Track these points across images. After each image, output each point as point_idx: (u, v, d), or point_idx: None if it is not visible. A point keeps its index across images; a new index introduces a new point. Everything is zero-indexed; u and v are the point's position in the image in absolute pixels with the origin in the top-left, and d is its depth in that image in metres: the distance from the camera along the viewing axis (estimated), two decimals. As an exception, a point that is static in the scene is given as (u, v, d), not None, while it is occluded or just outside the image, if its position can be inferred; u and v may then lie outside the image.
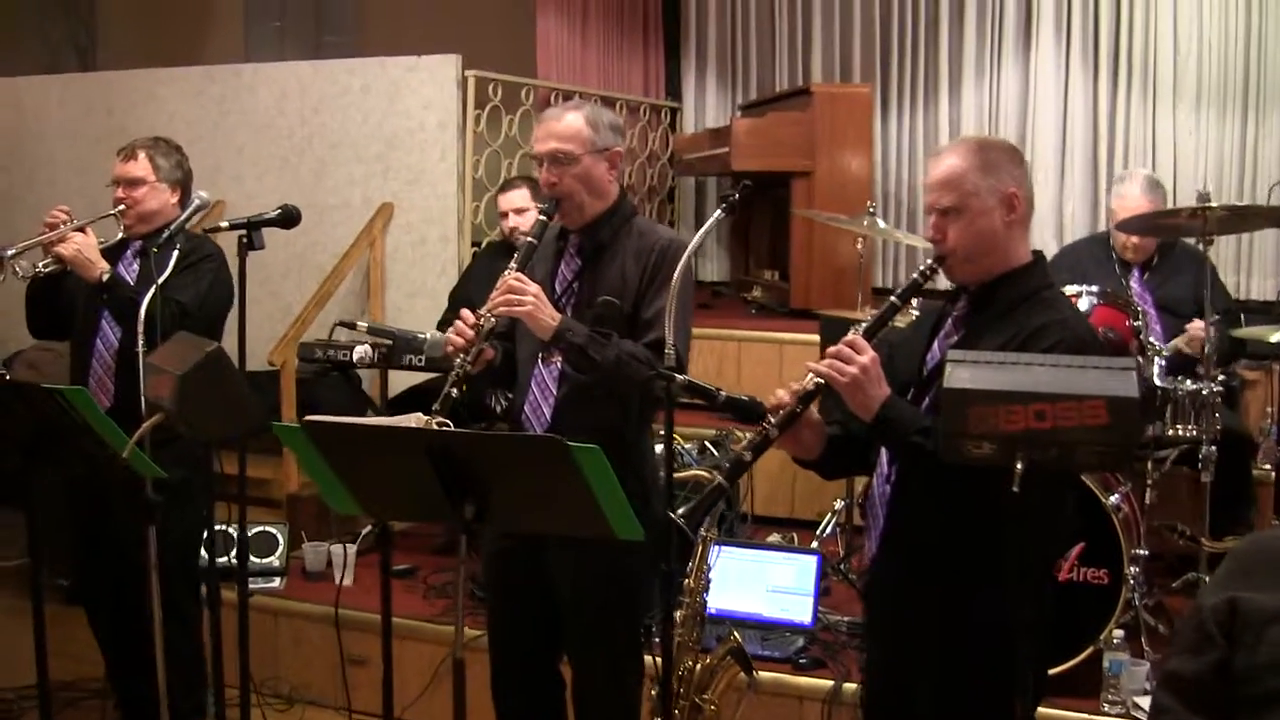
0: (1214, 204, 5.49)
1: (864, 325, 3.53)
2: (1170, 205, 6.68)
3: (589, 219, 4.26)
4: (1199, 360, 5.68)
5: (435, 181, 8.12)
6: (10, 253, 4.97)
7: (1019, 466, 2.85)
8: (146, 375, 4.14)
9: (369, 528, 6.50)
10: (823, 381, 3.42)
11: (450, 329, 4.12)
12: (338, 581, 6.09)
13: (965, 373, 2.92)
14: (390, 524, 4.21)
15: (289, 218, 4.52)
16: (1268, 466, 6.28)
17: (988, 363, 2.96)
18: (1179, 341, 5.92)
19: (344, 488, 3.49)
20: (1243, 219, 6.03)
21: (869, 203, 7.34)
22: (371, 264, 8.15)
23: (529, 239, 4.17)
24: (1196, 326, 5.81)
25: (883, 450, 3.59)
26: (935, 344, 3.59)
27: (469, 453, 3.21)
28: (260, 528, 6.43)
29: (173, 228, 4.71)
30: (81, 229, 5.02)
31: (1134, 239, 6.34)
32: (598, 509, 3.20)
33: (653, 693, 4.37)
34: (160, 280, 4.51)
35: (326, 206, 8.17)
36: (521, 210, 6.54)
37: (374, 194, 8.26)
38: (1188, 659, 3.32)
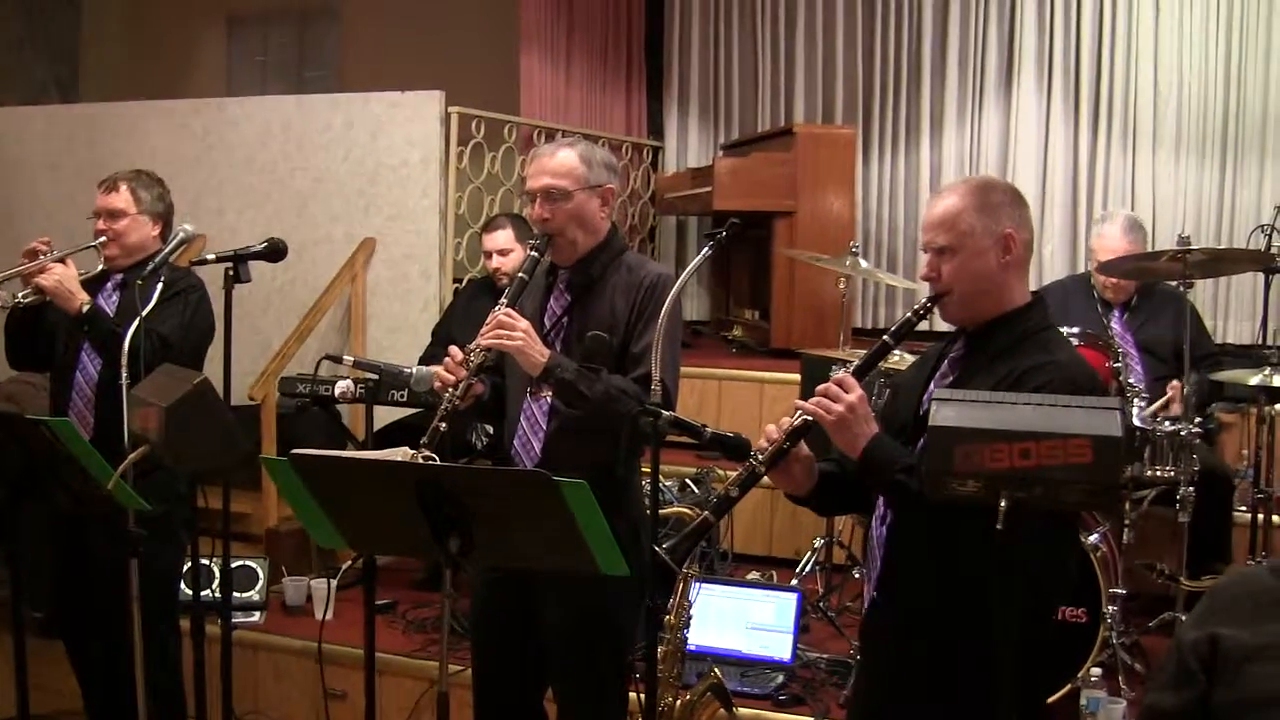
0: (1194, 247, 5.53)
1: (854, 364, 3.55)
2: (1150, 248, 6.72)
3: (580, 255, 4.27)
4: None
5: (417, 217, 8.12)
6: (-10, 283, 4.98)
7: (1003, 504, 2.86)
8: (131, 407, 4.14)
9: (349, 562, 6.49)
10: (810, 419, 3.43)
11: (440, 364, 4.12)
12: (319, 616, 6.08)
13: (950, 411, 2.94)
14: (374, 558, 4.19)
15: (276, 251, 4.53)
16: (1244, 508, 6.30)
17: (973, 401, 2.97)
18: (1158, 408, 5.92)
19: (329, 521, 3.49)
20: (1223, 262, 6.09)
21: (852, 242, 7.36)
22: (353, 299, 8.15)
23: (521, 275, 4.18)
24: (1173, 388, 5.86)
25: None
26: (932, 385, 3.59)
27: (456, 486, 3.22)
28: (240, 562, 6.41)
29: (158, 260, 4.71)
30: (62, 260, 5.02)
31: (1113, 279, 6.38)
32: (583, 544, 3.21)
33: (636, 729, 4.39)
34: (144, 312, 4.50)
35: (308, 241, 8.16)
36: (505, 251, 6.56)
37: (356, 229, 8.25)
38: (1168, 694, 3.33)
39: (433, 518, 3.24)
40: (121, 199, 5.20)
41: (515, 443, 4.26)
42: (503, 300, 4.12)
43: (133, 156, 7.35)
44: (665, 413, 3.55)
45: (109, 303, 5.17)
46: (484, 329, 4.05)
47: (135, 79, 11.46)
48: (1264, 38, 8.75)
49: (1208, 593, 3.50)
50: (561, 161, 4.23)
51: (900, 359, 5.41)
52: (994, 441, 2.86)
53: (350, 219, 8.29)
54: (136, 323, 4.48)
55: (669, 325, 3.84)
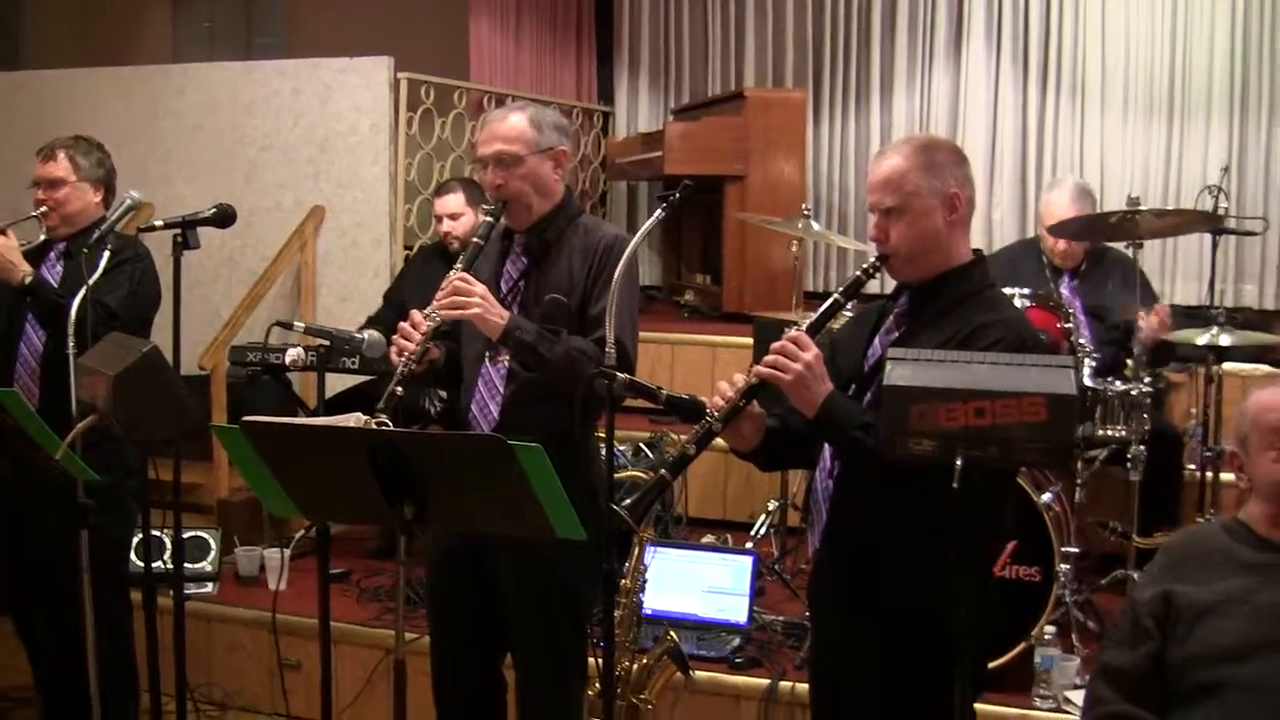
0: (1144, 208, 5.55)
1: (807, 323, 3.55)
2: (1099, 211, 6.74)
3: (535, 219, 4.25)
4: (1134, 357, 5.74)
5: (367, 184, 8.08)
6: (-70, 257, 4.91)
7: (959, 463, 2.87)
8: (79, 376, 4.10)
9: (302, 532, 6.46)
10: (766, 377, 3.43)
11: (391, 329, 4.10)
12: (272, 586, 6.07)
13: (906, 370, 2.94)
14: (327, 527, 4.17)
15: (224, 217, 4.48)
16: (1193, 467, 6.35)
17: (928, 360, 2.97)
18: (1140, 321, 5.92)
19: (281, 490, 3.46)
20: (1173, 223, 6.11)
21: (804, 205, 7.36)
22: (303, 267, 8.11)
23: (476, 240, 4.15)
24: (1162, 311, 5.90)
25: (825, 446, 3.60)
26: (876, 340, 3.60)
27: (410, 452, 3.20)
28: (192, 533, 6.37)
29: (104, 228, 4.63)
30: (2, 231, 4.96)
31: (1063, 244, 6.40)
32: (539, 509, 3.19)
33: (590, 693, 4.38)
34: (91, 281, 4.45)
35: (257, 209, 8.09)
36: (456, 215, 6.53)
37: (305, 197, 8.20)
38: (1124, 650, 3.37)
39: (386, 484, 3.21)
40: (60, 167, 5.14)
41: (472, 407, 4.23)
42: (458, 265, 4.09)
43: (78, 125, 7.25)
44: (620, 375, 3.53)
45: (53, 272, 5.11)
46: (439, 295, 4.03)
47: (80, 47, 11.33)
48: (1209, 2, 8.78)
49: (1161, 550, 3.53)
50: (512, 126, 4.20)
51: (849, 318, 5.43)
52: (949, 401, 2.86)
53: (299, 186, 8.23)
54: (83, 292, 4.41)
55: (625, 287, 3.82)
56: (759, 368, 3.45)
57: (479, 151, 4.28)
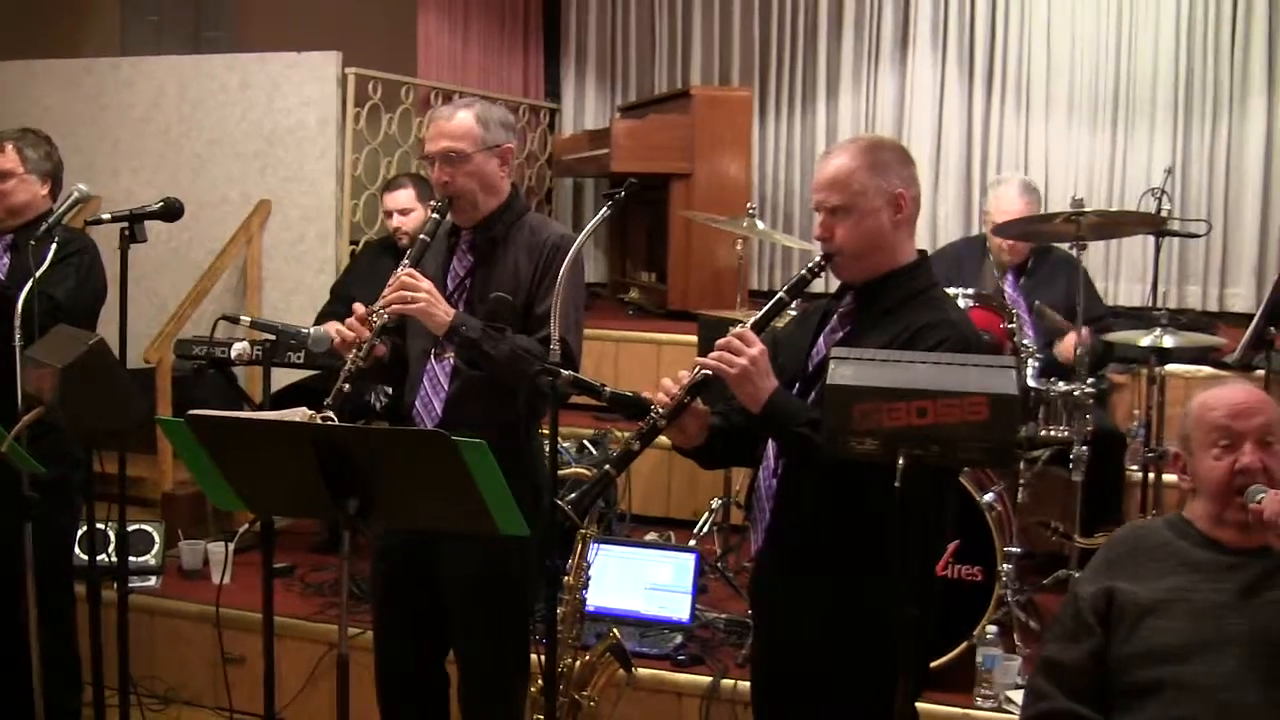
0: (1088, 209, 5.59)
1: (752, 319, 3.57)
2: (1044, 211, 6.78)
3: (482, 216, 4.26)
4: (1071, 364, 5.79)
5: (314, 179, 8.06)
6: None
7: (901, 462, 2.89)
8: (25, 369, 4.09)
9: (246, 526, 6.46)
10: (710, 372, 3.45)
11: (343, 324, 4.10)
12: (216, 580, 6.05)
13: (848, 370, 2.96)
14: (272, 521, 4.17)
15: (171, 210, 4.47)
16: (1135, 468, 6.39)
17: (870, 360, 3.00)
18: (1057, 351, 6.03)
19: (226, 483, 3.47)
20: (1117, 224, 6.16)
21: (749, 204, 7.38)
22: (249, 261, 8.08)
23: (423, 237, 4.17)
24: (1068, 344, 5.93)
25: (769, 444, 3.62)
26: (820, 339, 3.63)
27: (354, 447, 3.21)
28: (135, 526, 6.34)
29: (51, 220, 4.62)
30: (-53, 224, 4.95)
31: (1008, 241, 6.44)
32: (482, 505, 3.21)
33: (532, 689, 4.40)
34: (39, 274, 4.44)
35: (204, 203, 8.04)
36: (406, 210, 6.55)
37: (252, 191, 8.17)
38: (1065, 646, 3.40)
39: (331, 479, 3.23)
40: (7, 159, 5.12)
41: (416, 403, 4.25)
42: (405, 261, 4.11)
43: (23, 117, 7.24)
44: (564, 372, 3.55)
45: (-1, 265, 5.11)
46: (386, 291, 4.04)
47: (25, 38, 11.24)
48: (1154, 5, 8.86)
49: (1104, 546, 3.57)
50: (459, 123, 4.22)
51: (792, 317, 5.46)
52: (891, 400, 2.89)
53: (246, 180, 8.20)
54: (30, 284, 4.40)
55: (570, 284, 3.85)
56: (705, 360, 3.47)
57: (426, 148, 4.29)
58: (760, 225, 7.10)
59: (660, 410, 3.50)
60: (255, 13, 11.69)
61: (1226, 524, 3.38)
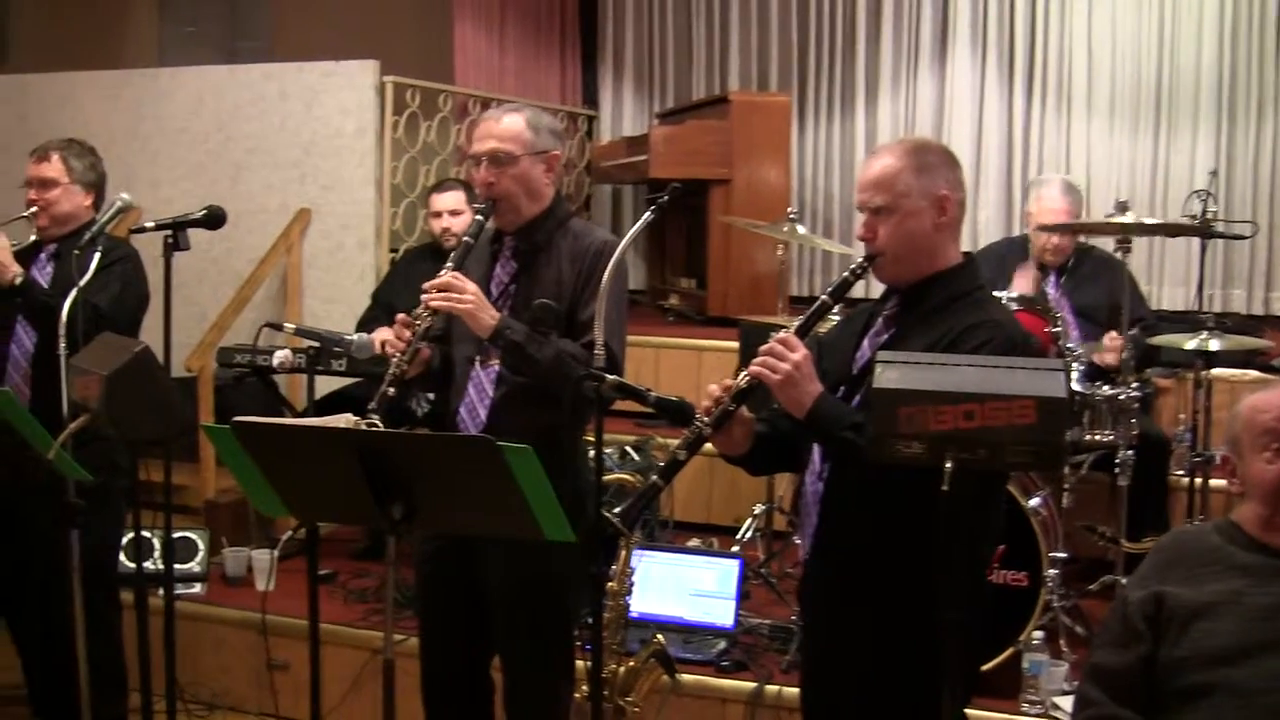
0: (1132, 218, 5.55)
1: (796, 324, 3.55)
2: (1085, 213, 6.75)
3: (524, 221, 4.25)
4: (1115, 369, 5.76)
5: (353, 187, 8.08)
6: (-80, 259, 4.91)
7: (948, 466, 2.87)
8: (71, 377, 4.10)
9: (290, 533, 6.46)
10: (755, 379, 3.43)
11: (391, 330, 4.10)
12: (260, 587, 6.07)
13: (894, 373, 2.94)
14: (317, 527, 4.17)
15: (214, 218, 4.47)
16: (1181, 472, 6.35)
17: (917, 363, 2.98)
18: (1094, 355, 5.99)
19: (271, 490, 3.47)
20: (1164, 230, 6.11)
21: (789, 209, 7.36)
22: (289, 270, 8.11)
23: (465, 238, 4.16)
24: (1112, 339, 5.88)
25: (815, 448, 3.60)
26: (865, 343, 3.60)
27: (399, 453, 3.21)
28: (180, 533, 6.36)
29: (95, 229, 4.63)
30: (-8, 232, 4.97)
31: (1054, 240, 6.42)
32: (528, 510, 3.19)
33: (576, 695, 4.39)
34: (82, 282, 4.45)
35: (243, 212, 8.03)
36: (457, 211, 6.55)
37: (291, 200, 8.21)
38: (1114, 652, 3.37)
39: (376, 485, 3.22)
40: (53, 168, 5.15)
41: (461, 410, 4.24)
42: (448, 264, 4.10)
43: (64, 128, 7.25)
44: (609, 377, 3.53)
45: (43, 273, 5.12)
46: (429, 290, 4.03)
47: (65, 49, 11.30)
48: (1196, 4, 8.81)
49: (1152, 552, 3.53)
50: (508, 126, 4.21)
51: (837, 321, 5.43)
52: (938, 403, 2.87)
53: (285, 189, 8.24)
54: (74, 293, 4.41)
55: (613, 290, 3.82)
56: (750, 367, 3.46)
57: (473, 148, 4.29)
58: (801, 230, 7.08)
59: (706, 418, 3.48)
60: (290, 22, 11.71)
61: (1277, 528, 3.35)
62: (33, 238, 5.16)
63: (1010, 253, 6.80)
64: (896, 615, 3.43)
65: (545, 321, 4.07)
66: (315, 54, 8.47)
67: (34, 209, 5.14)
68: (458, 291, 4.01)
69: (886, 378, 2.93)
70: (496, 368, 4.17)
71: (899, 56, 9.81)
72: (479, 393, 4.21)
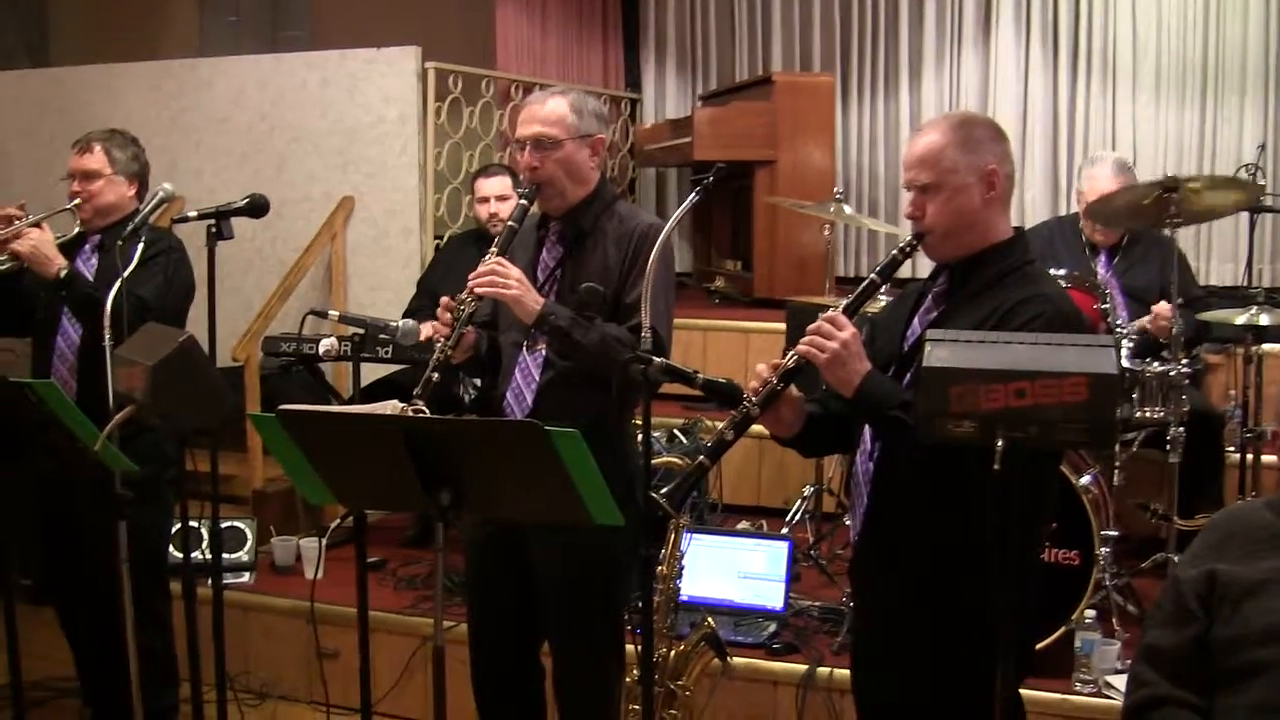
0: (1184, 177, 5.49)
1: (844, 303, 3.53)
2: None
3: (569, 205, 4.24)
4: (1164, 343, 5.71)
5: (396, 174, 8.09)
6: (-36, 251, 4.92)
7: (999, 445, 2.85)
8: (116, 368, 4.09)
9: (338, 521, 6.47)
10: (803, 358, 3.41)
11: (428, 317, 4.10)
12: (309, 575, 6.08)
13: (944, 351, 2.92)
14: (364, 515, 4.17)
15: (257, 206, 4.47)
16: (1232, 448, 6.30)
17: (967, 341, 2.95)
18: (1144, 321, 5.94)
19: (319, 478, 3.46)
20: (1211, 207, 6.02)
21: (835, 189, 7.33)
22: (333, 258, 8.12)
23: (510, 223, 4.15)
24: (1162, 308, 5.82)
25: (865, 429, 3.58)
26: (915, 320, 3.59)
27: (447, 439, 3.20)
28: (228, 523, 6.38)
29: (138, 220, 4.64)
30: (37, 224, 4.97)
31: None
32: (576, 495, 3.18)
33: (626, 680, 4.38)
34: (125, 273, 4.44)
35: (287, 201, 8.07)
36: (503, 197, 6.55)
37: (335, 188, 8.22)
38: (1167, 631, 3.33)
39: (424, 471, 3.21)
40: (96, 160, 5.14)
41: (508, 394, 4.23)
42: (492, 249, 4.09)
43: (106, 119, 7.25)
44: (657, 360, 3.51)
45: (87, 265, 5.12)
46: (473, 276, 4.02)
47: (106, 42, 11.32)
48: (1242, -23, 8.74)
49: (1204, 530, 3.49)
50: (552, 110, 4.20)
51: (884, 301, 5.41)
52: (989, 381, 2.84)
53: (329, 177, 8.25)
54: (118, 284, 4.41)
55: (660, 273, 3.81)
56: (797, 346, 3.44)
57: (518, 132, 4.28)
58: (847, 210, 7.04)
59: (753, 398, 3.47)
60: (331, 11, 11.73)
61: (1330, 504, 3.31)
62: (76, 230, 5.17)
63: (1059, 233, 6.74)
64: (948, 595, 3.42)
65: (591, 305, 4.05)
66: (356, 41, 8.47)
67: (77, 201, 5.13)
68: (502, 277, 4.00)
69: (937, 356, 2.91)
70: (543, 352, 4.17)
71: (942, 34, 9.76)
72: (525, 377, 4.20)
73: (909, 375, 3.48)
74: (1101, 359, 2.83)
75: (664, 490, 3.44)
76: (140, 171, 5.25)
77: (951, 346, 2.93)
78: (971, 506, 3.15)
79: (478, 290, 4.00)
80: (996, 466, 2.83)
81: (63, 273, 4.86)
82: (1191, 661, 3.30)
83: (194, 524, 4.53)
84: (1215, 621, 3.27)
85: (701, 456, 3.52)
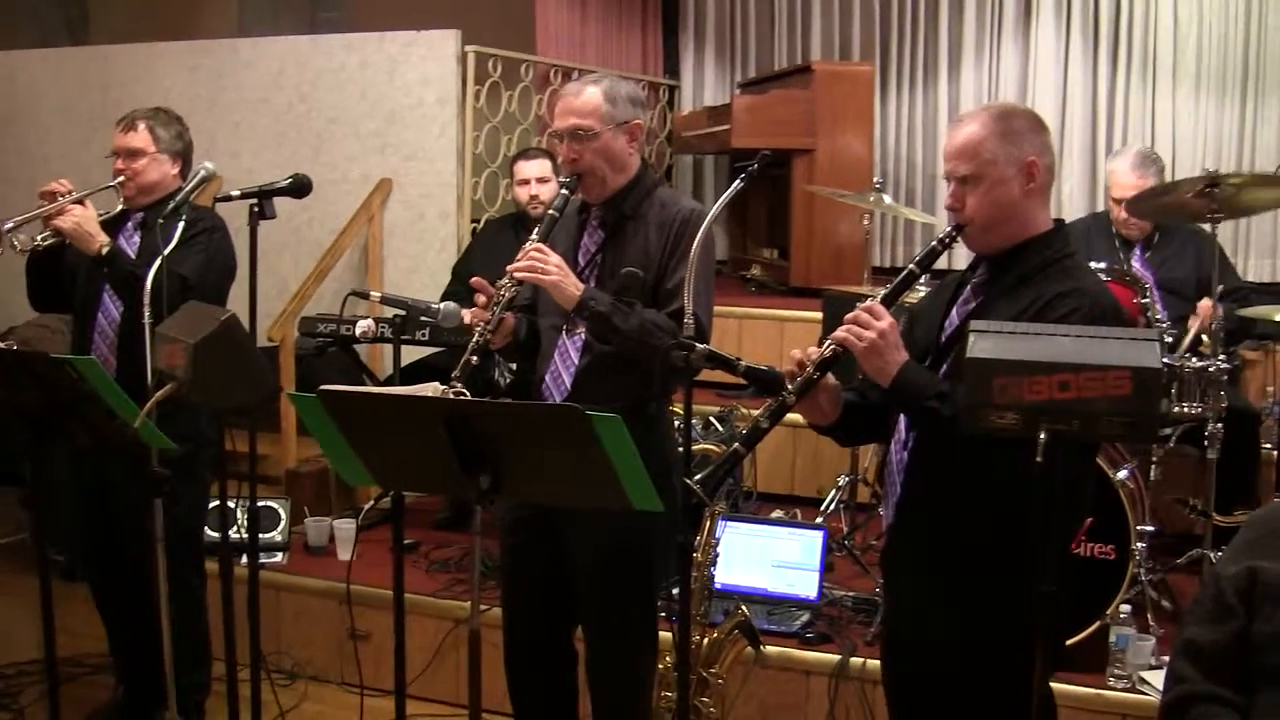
0: (1222, 173, 5.46)
1: (883, 293, 3.52)
2: (1166, 180, 6.64)
3: (611, 193, 4.23)
4: (1204, 338, 5.69)
5: (434, 157, 8.10)
6: (8, 226, 4.91)
7: (1042, 437, 2.84)
8: (157, 345, 4.09)
9: (372, 502, 6.48)
10: (840, 348, 3.41)
11: (465, 301, 4.10)
12: (342, 556, 6.10)
13: (988, 343, 2.92)
14: (402, 496, 4.18)
15: (300, 187, 4.47)
16: (1268, 445, 6.27)
17: (1010, 333, 2.95)
18: (1193, 326, 5.89)
19: (357, 459, 3.47)
20: (1248, 205, 5.98)
21: (875, 179, 7.31)
22: (370, 240, 8.13)
23: (551, 212, 4.16)
24: (1206, 304, 5.80)
25: (900, 417, 3.58)
26: (954, 311, 3.59)
27: (487, 422, 3.20)
28: (262, 503, 6.38)
29: (179, 199, 4.64)
30: (80, 201, 4.96)
31: (1124, 213, 6.33)
32: (616, 480, 3.18)
33: (660, 666, 4.38)
34: (166, 251, 4.45)
35: (324, 182, 8.00)
36: (543, 180, 6.57)
37: (372, 170, 8.23)
38: (1206, 628, 3.31)
39: (463, 454, 3.22)
40: (140, 138, 5.15)
41: (547, 378, 4.24)
42: (533, 236, 4.09)
43: (145, 98, 7.28)
44: (699, 346, 3.52)
45: (130, 243, 5.13)
46: (515, 263, 4.02)
47: (146, 20, 11.35)
48: (1284, -32, 8.69)
49: (1244, 526, 3.48)
50: (586, 100, 4.19)
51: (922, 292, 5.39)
52: (1032, 374, 2.85)
53: (366, 159, 8.26)
54: (158, 262, 4.42)
55: (702, 260, 3.81)
56: (835, 334, 3.44)
57: (554, 125, 4.28)
58: (887, 199, 7.03)
59: (790, 386, 3.46)
60: (370, -8, 11.73)
61: (1371, 501, 3.30)
62: (120, 207, 5.17)
63: (1094, 229, 6.71)
64: (979, 587, 3.42)
65: (631, 290, 4.06)
66: (394, 24, 8.48)
67: (121, 179, 5.14)
68: (541, 263, 4.00)
69: (980, 347, 2.91)
70: (582, 336, 4.17)
71: (982, 25, 9.72)
72: (564, 361, 4.21)
73: (945, 366, 3.48)
74: (1145, 352, 2.83)
75: (698, 477, 3.45)
76: (184, 150, 5.25)
77: (995, 338, 2.93)
78: (1005, 498, 3.15)
79: (517, 276, 4.01)
80: (1039, 459, 2.83)
81: (105, 250, 4.87)
82: (1230, 658, 3.29)
83: (230, 503, 4.54)
84: (1255, 618, 3.25)
85: (736, 444, 3.52)
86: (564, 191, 4.19)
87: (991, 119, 3.51)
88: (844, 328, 3.43)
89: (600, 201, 4.26)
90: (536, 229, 4.13)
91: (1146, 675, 4.92)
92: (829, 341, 3.46)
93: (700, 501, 3.48)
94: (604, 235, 4.26)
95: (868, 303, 3.45)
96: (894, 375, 3.39)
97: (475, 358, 3.93)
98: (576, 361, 4.19)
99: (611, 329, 4.02)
